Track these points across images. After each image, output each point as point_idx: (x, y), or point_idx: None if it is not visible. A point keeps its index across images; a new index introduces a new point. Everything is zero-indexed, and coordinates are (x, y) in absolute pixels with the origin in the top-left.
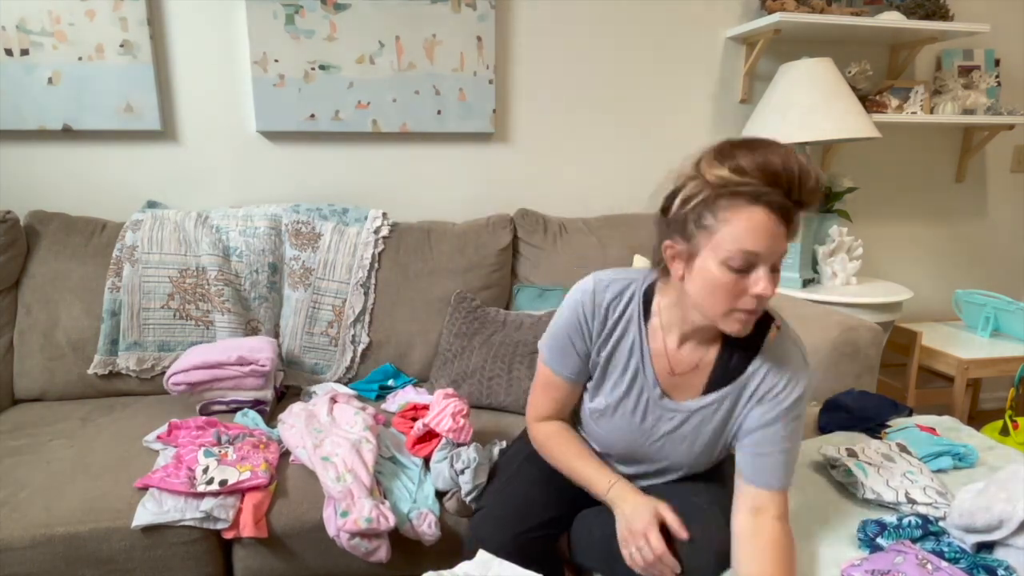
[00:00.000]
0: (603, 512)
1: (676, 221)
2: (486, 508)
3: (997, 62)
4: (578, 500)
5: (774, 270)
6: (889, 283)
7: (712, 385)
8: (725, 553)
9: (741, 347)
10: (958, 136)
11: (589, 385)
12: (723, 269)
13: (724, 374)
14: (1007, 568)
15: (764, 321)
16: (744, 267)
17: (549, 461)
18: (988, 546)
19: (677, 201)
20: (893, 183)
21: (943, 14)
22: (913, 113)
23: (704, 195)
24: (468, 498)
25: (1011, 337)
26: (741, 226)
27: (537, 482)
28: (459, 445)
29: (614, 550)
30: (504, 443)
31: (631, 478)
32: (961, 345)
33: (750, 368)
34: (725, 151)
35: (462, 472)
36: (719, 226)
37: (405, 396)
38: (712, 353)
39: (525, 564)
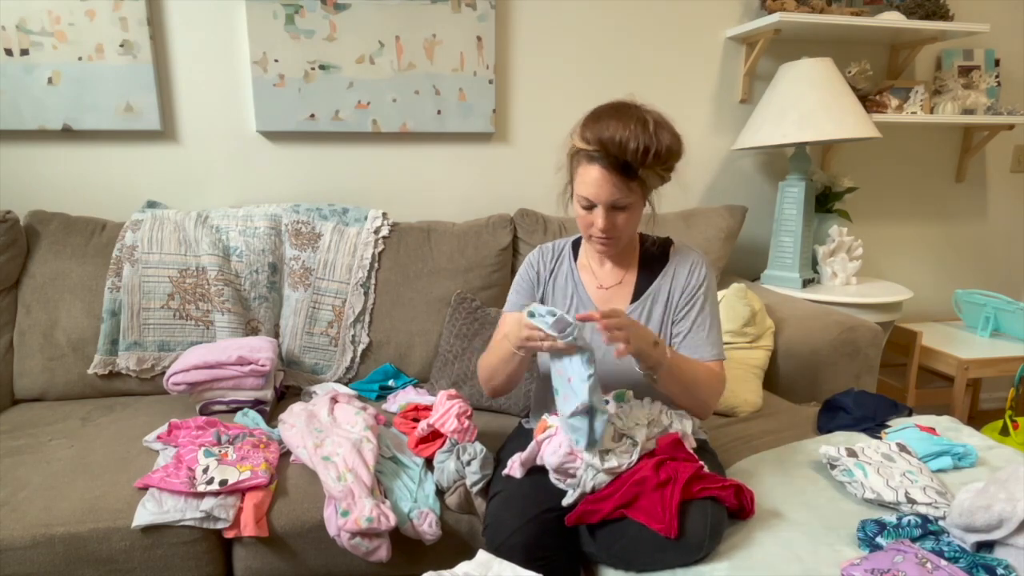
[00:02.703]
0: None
1: (568, 171)
2: (504, 491)
3: (997, 62)
4: None
5: (621, 210)
6: (889, 283)
7: (636, 296)
8: (718, 524)
9: (655, 264)
10: (958, 136)
11: None
12: (578, 207)
13: (645, 285)
14: (1007, 567)
15: (667, 244)
16: (587, 207)
17: (489, 372)
18: (988, 545)
19: (566, 159)
20: (893, 183)
21: (943, 14)
22: (913, 113)
23: (571, 156)
24: (474, 489)
25: (1011, 337)
26: (582, 179)
27: (543, 469)
28: None
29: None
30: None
31: None
32: (961, 345)
33: (662, 272)
34: (584, 123)
35: (469, 463)
36: (576, 177)
37: (406, 396)
38: (632, 273)
39: (543, 542)
